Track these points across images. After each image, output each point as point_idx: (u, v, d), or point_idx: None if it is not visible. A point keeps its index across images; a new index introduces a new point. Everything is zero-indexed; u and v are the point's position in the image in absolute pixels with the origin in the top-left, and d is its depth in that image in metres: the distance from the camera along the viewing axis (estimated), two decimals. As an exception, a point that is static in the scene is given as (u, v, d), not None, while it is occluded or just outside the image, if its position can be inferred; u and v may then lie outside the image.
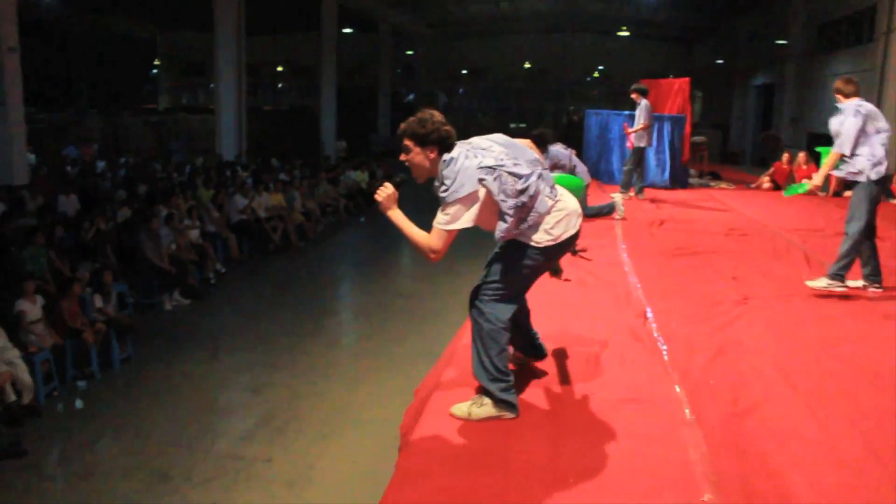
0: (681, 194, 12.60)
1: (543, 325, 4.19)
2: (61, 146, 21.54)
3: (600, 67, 38.74)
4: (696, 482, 3.01)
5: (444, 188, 3.32)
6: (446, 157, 3.35)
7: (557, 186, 3.58)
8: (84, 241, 10.21)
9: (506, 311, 3.49)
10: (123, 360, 8.51)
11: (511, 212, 3.29)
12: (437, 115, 3.40)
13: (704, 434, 3.41)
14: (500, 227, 3.34)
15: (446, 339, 8.88)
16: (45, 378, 7.47)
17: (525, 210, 3.34)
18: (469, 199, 3.29)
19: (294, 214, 14.45)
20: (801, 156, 14.08)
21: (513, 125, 34.90)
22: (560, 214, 3.46)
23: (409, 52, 38.47)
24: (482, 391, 3.55)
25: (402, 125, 3.42)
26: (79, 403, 7.59)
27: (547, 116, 36.56)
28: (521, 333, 3.91)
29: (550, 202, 3.45)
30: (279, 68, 41.59)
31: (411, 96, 40.09)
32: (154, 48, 39.43)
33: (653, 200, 11.49)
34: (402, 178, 3.56)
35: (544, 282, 6.11)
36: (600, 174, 13.58)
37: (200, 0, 20.38)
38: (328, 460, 6.34)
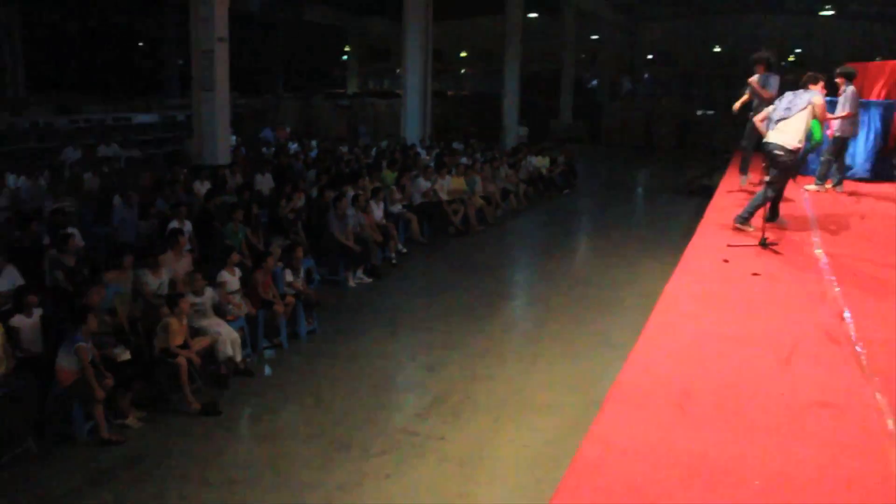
0: (884, 188, 11.54)
1: (730, 322, 4.00)
2: (259, 129, 22.94)
3: (797, 50, 36.42)
4: (897, 499, 2.79)
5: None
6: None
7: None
8: (278, 218, 10.79)
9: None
10: (309, 332, 8.92)
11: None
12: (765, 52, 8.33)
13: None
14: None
15: (624, 329, 8.82)
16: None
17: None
18: None
19: (475, 198, 14.61)
20: None
21: (700, 112, 33.39)
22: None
23: (594, 37, 37.71)
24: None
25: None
26: (268, 370, 8.07)
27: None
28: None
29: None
30: (462, 53, 42.12)
31: (594, 82, 39.38)
32: (345, 35, 40.93)
33: (851, 194, 10.72)
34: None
35: (732, 274, 5.87)
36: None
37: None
38: (500, 443, 6.36)
